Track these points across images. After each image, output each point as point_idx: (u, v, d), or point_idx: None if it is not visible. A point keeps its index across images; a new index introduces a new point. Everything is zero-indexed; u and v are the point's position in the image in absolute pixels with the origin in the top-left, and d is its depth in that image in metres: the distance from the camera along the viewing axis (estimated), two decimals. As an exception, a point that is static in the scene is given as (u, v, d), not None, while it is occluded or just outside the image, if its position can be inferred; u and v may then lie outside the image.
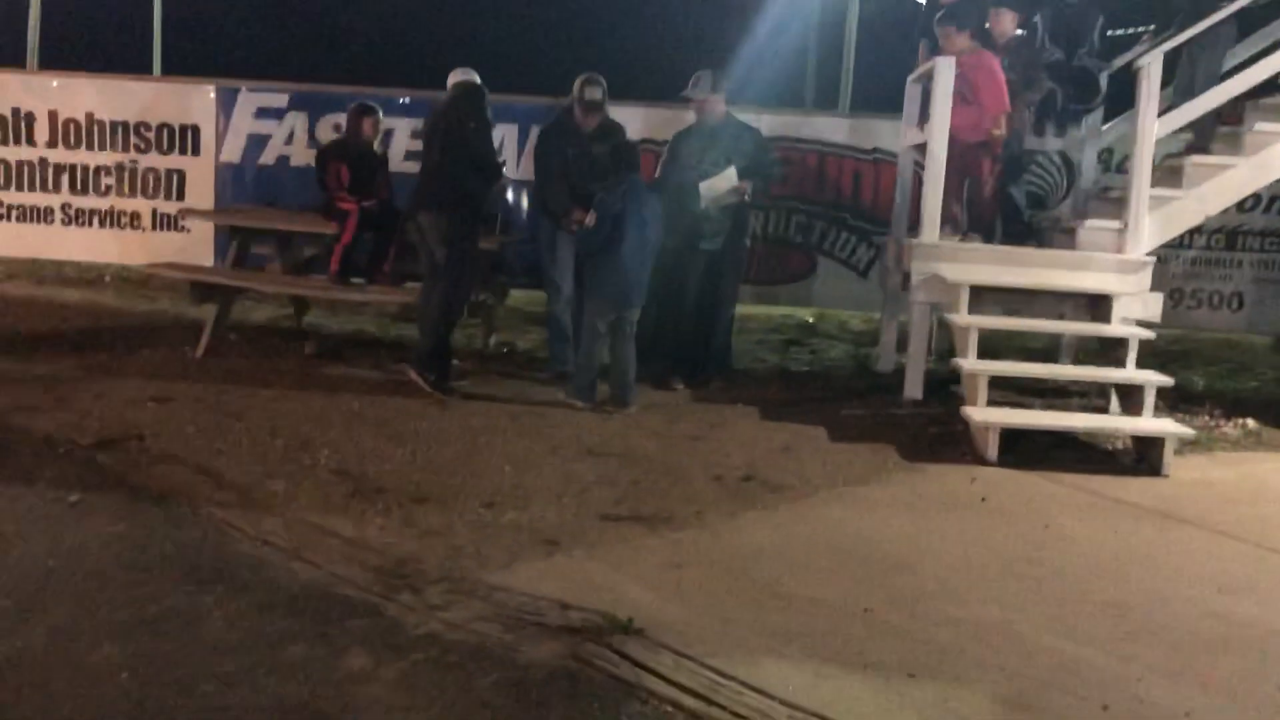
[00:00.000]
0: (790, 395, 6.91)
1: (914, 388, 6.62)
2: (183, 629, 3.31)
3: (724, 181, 6.67)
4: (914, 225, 7.13)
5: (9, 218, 9.03)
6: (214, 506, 4.35)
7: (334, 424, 5.57)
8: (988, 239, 6.92)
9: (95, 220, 8.93)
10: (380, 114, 7.28)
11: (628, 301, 6.22)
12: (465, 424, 5.75)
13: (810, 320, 9.48)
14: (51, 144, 8.93)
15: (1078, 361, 7.10)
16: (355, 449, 5.18)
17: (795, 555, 4.18)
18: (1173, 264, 7.89)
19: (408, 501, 4.51)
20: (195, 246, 8.62)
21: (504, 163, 7.20)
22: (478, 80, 6.48)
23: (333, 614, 3.45)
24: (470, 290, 6.60)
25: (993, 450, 5.52)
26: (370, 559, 3.91)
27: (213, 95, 8.82)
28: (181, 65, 10.00)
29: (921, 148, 6.79)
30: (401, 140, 8.45)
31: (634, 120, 7.31)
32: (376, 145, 7.49)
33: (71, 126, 8.92)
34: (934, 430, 6.04)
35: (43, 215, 8.99)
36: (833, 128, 8.53)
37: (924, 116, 6.84)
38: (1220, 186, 6.42)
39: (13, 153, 8.98)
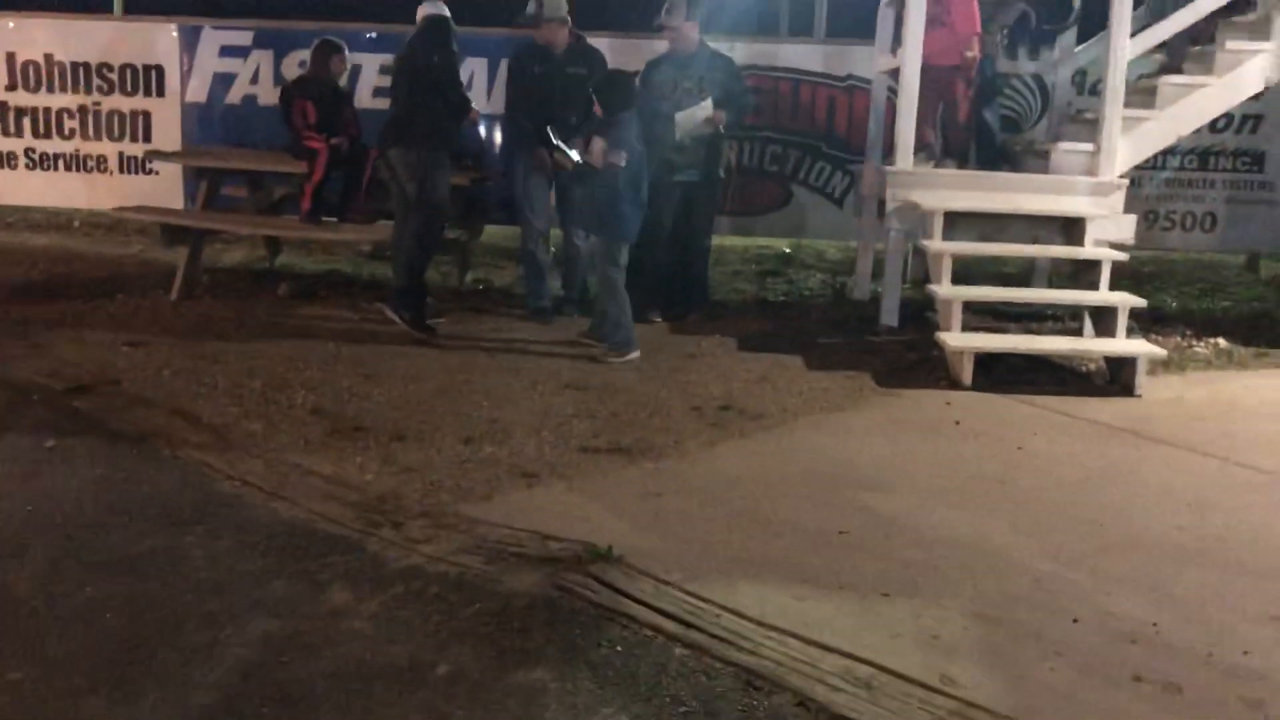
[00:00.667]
0: (767, 326, 6.93)
1: (890, 315, 6.66)
2: (165, 569, 3.33)
3: (700, 112, 6.61)
4: (888, 152, 7.12)
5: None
6: (192, 448, 4.36)
7: (310, 364, 5.56)
8: (962, 164, 6.91)
9: (60, 164, 8.79)
10: (346, 50, 7.18)
11: (634, 237, 6.09)
12: (443, 361, 5.75)
13: (787, 250, 9.48)
14: (11, 87, 8.76)
15: (1052, 285, 7.14)
16: (332, 388, 5.18)
17: (772, 481, 4.23)
18: (1146, 186, 7.90)
19: (386, 439, 4.52)
20: (164, 189, 8.48)
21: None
22: (445, 13, 6.36)
23: (314, 551, 3.48)
24: (443, 227, 6.55)
25: (967, 375, 5.56)
26: (350, 496, 3.93)
27: (175, 34, 8.63)
28: (141, 4, 9.77)
29: (895, 73, 6.74)
30: (370, 77, 8.31)
31: (604, 52, 7.18)
32: (343, 82, 7.38)
33: (31, 69, 8.74)
34: (910, 356, 6.08)
35: (5, 160, 8.84)
36: (806, 55, 8.43)
37: (897, 42, 6.77)
38: (1193, 106, 6.42)
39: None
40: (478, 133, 7.71)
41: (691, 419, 4.99)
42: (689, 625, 3.04)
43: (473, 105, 6.58)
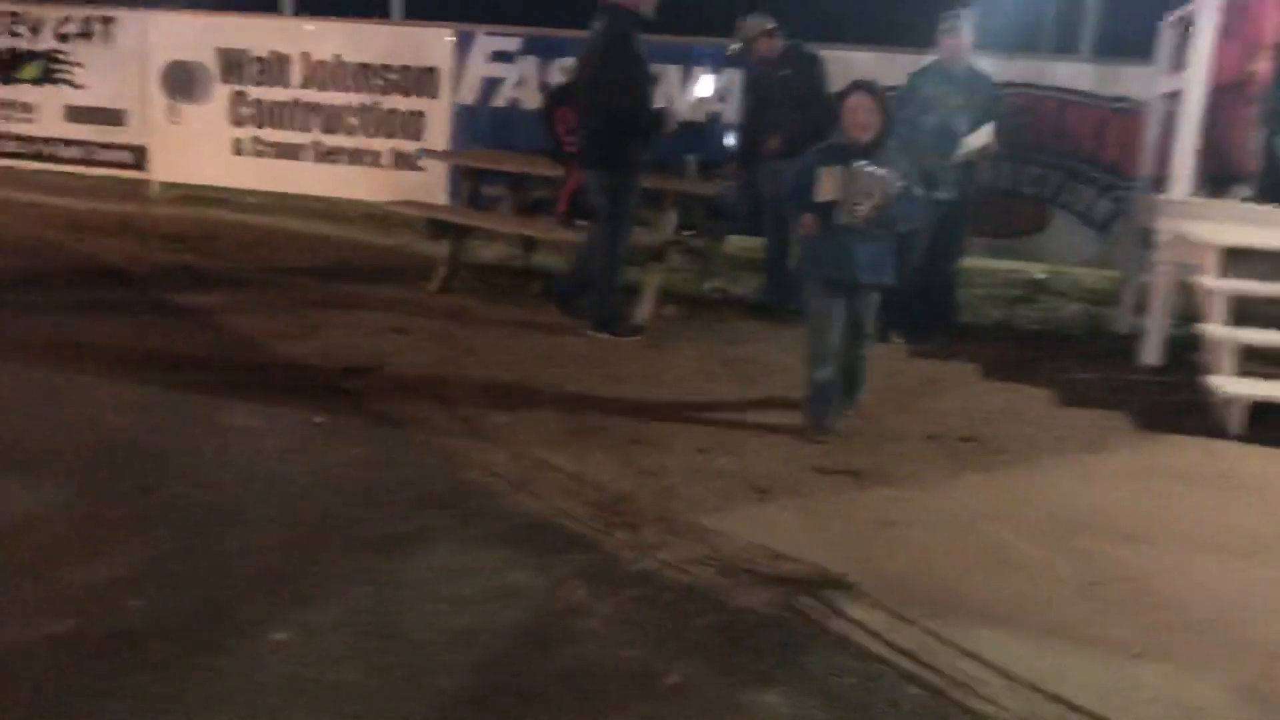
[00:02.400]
0: (1016, 354, 6.64)
1: (1153, 353, 6.25)
2: (414, 550, 3.53)
3: (983, 137, 6.47)
4: (1162, 179, 6.68)
5: (267, 154, 9.71)
6: (446, 435, 4.60)
7: (557, 362, 5.76)
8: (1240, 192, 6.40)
9: (343, 158, 9.48)
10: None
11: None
12: (679, 368, 5.83)
13: (1041, 276, 9.05)
14: (304, 85, 9.51)
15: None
16: (576, 387, 5.34)
17: (1016, 521, 4.05)
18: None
19: (625, 441, 4.63)
20: (430, 185, 9.01)
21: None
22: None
23: (553, 546, 3.60)
24: (627, 242, 6.42)
25: (1236, 423, 5.15)
26: (589, 494, 4.04)
27: (450, 39, 9.14)
28: (419, 8, 10.39)
29: (1175, 95, 6.32)
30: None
31: (862, 65, 7.09)
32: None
33: (321, 68, 9.46)
34: (1172, 399, 5.69)
35: (295, 153, 9.61)
36: (1074, 74, 8.04)
37: (1180, 61, 6.35)
38: None
39: (269, 93, 9.63)
40: (724, 141, 7.78)
41: (929, 447, 4.85)
42: (924, 665, 2.96)
43: (668, 119, 6.43)
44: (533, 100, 8.73)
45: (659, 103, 6.30)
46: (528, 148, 8.04)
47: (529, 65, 8.89)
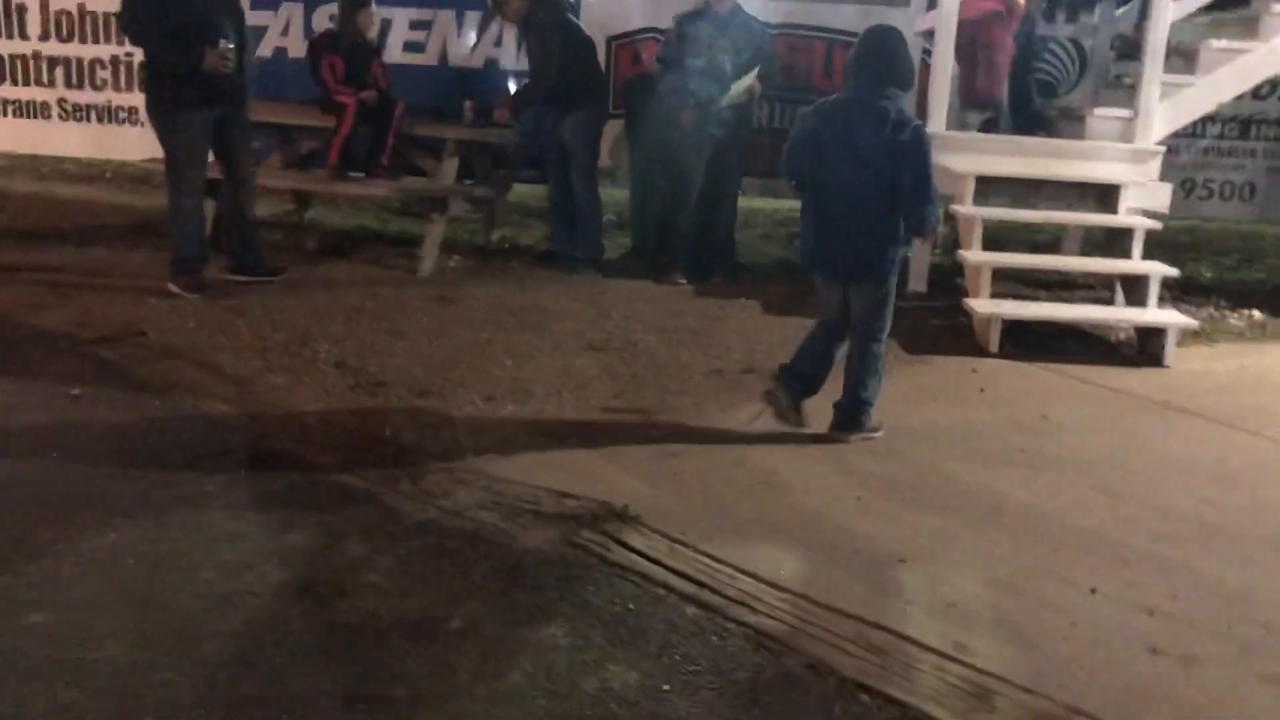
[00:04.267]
0: (794, 289, 6.85)
1: (918, 280, 6.59)
2: (181, 518, 3.36)
3: (747, 80, 6.60)
4: (921, 114, 7.00)
5: (5, 113, 8.94)
6: (216, 400, 4.39)
7: (335, 319, 5.57)
8: (993, 125, 6.80)
9: (92, 115, 8.83)
10: (373, 5, 7.13)
11: None
12: (466, 319, 5.75)
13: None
14: (44, 37, 8.78)
15: (1085, 253, 7.03)
16: (356, 343, 5.19)
17: (789, 444, 4.21)
18: (1185, 153, 7.73)
19: (408, 394, 4.54)
20: (194, 142, 8.49)
21: None
22: None
23: (333, 503, 3.50)
24: (190, 185, 5.95)
25: (994, 342, 5.51)
26: (372, 448, 3.95)
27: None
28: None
29: (929, 35, 6.62)
30: (400, 31, 8.26)
31: (635, 8, 7.15)
32: (372, 36, 7.34)
33: (64, 18, 8.75)
34: (937, 323, 6.02)
35: (39, 110, 8.88)
36: (839, 15, 8.30)
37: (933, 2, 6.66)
38: (1235, 72, 6.28)
39: (5, 46, 8.84)
40: (502, 87, 7.69)
41: (713, 381, 4.97)
42: (702, 585, 3.04)
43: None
44: (300, 49, 8.32)
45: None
46: (297, 99, 7.71)
47: (294, 11, 8.46)
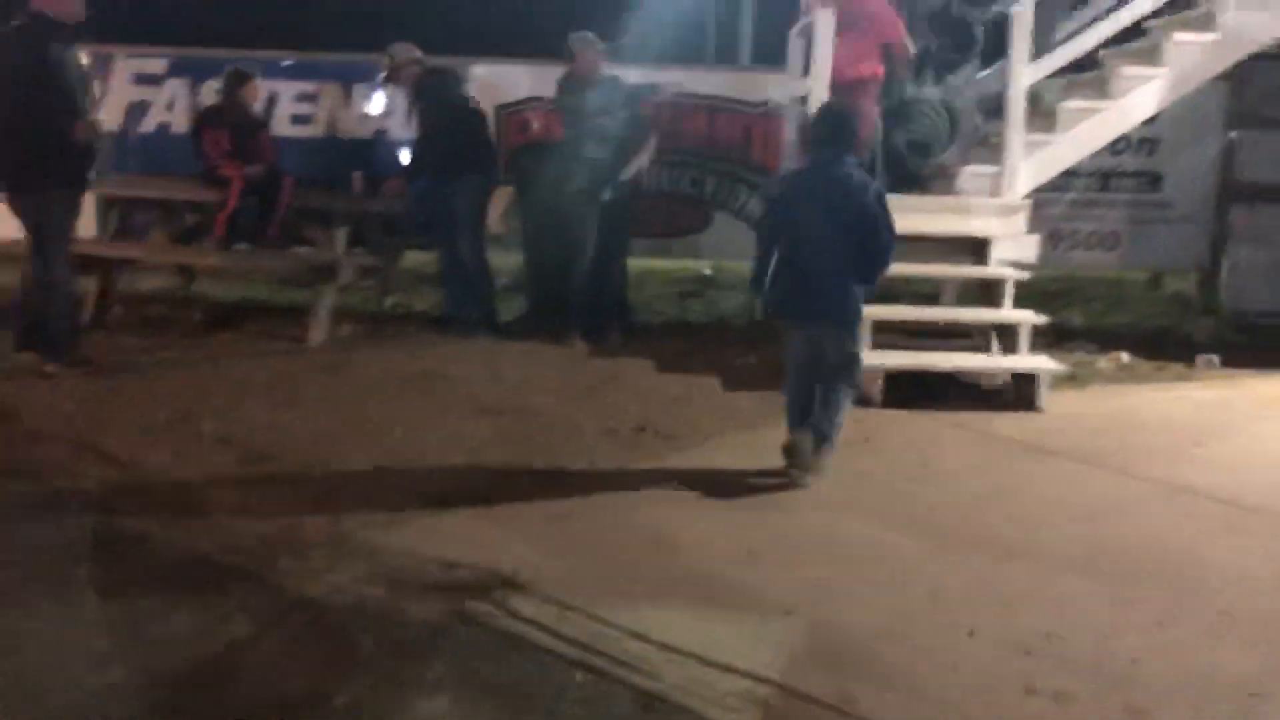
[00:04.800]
0: (687, 346, 7.00)
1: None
2: (53, 606, 3.25)
3: (646, 153, 7.00)
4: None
5: None
6: (94, 482, 4.28)
7: (221, 392, 5.49)
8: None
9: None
10: (257, 78, 7.14)
11: None
12: (357, 387, 5.72)
13: (708, 272, 9.57)
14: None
15: (961, 304, 7.28)
16: (241, 416, 5.12)
17: (683, 503, 4.27)
18: (1052, 207, 8.09)
19: (294, 468, 4.49)
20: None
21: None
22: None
23: (214, 583, 3.43)
24: (61, 268, 5.71)
25: (877, 392, 5.66)
26: (254, 526, 3.89)
27: (85, 62, 8.47)
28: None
29: (805, 99, 6.85)
30: (287, 103, 8.26)
31: (517, 78, 7.29)
32: (257, 109, 7.33)
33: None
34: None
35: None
36: (723, 82, 8.56)
37: (806, 67, 6.90)
38: (1090, 130, 6.62)
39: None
40: (391, 157, 7.73)
41: (606, 441, 5.02)
42: (591, 650, 3.05)
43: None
44: (185, 123, 8.25)
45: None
46: (184, 172, 7.63)
47: (178, 87, 8.39)
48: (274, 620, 3.20)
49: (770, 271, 4.61)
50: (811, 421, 4.60)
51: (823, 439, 4.59)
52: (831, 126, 4.61)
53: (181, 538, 3.78)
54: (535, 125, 8.10)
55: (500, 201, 7.61)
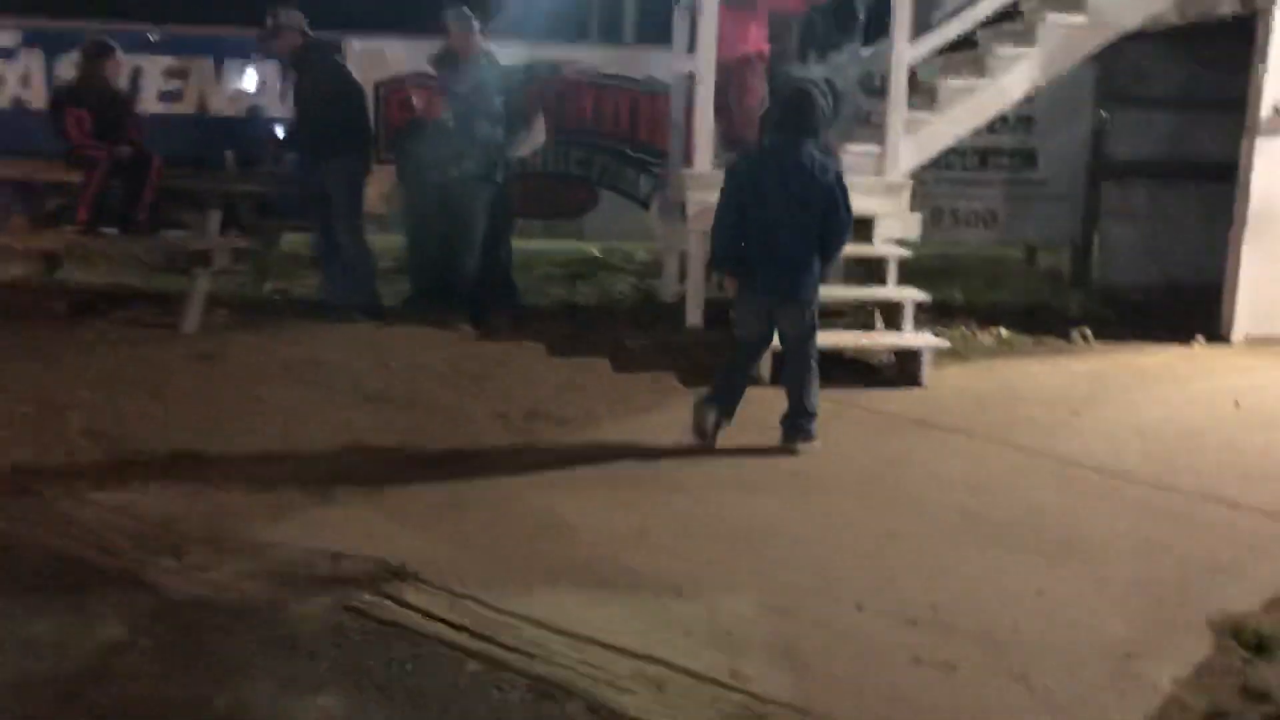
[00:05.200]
0: (576, 329, 6.94)
1: (694, 315, 6.76)
2: (-88, 616, 3.07)
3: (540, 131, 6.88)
4: (688, 154, 7.22)
5: None
6: (-51, 482, 4.04)
7: (87, 384, 5.23)
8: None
9: None
10: (119, 53, 6.81)
11: None
12: (235, 376, 5.52)
13: (597, 254, 9.52)
14: None
15: (847, 282, 7.38)
16: (113, 410, 4.89)
17: (574, 486, 4.24)
18: (934, 185, 8.27)
19: (170, 461, 4.30)
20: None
21: None
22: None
23: (86, 585, 3.27)
24: None
25: (767, 370, 5.70)
26: (128, 525, 3.71)
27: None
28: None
29: (690, 76, 6.86)
30: (153, 80, 7.91)
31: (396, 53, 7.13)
32: (122, 85, 7.01)
33: None
34: (714, 355, 6.18)
35: None
36: (606, 59, 8.50)
37: (691, 44, 6.91)
38: (968, 108, 6.77)
39: None
40: (267, 135, 7.49)
41: (496, 427, 4.94)
42: (484, 638, 3.00)
43: None
44: (44, 100, 7.84)
45: None
46: (44, 152, 7.25)
47: (32, 60, 7.97)
48: (150, 622, 3.06)
49: (726, 243, 4.76)
50: (792, 400, 4.81)
51: (807, 415, 4.79)
52: (794, 110, 4.75)
53: (48, 539, 3.59)
54: (417, 103, 7.93)
55: (381, 182, 7.45)
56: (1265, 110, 6.92)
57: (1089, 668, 3.01)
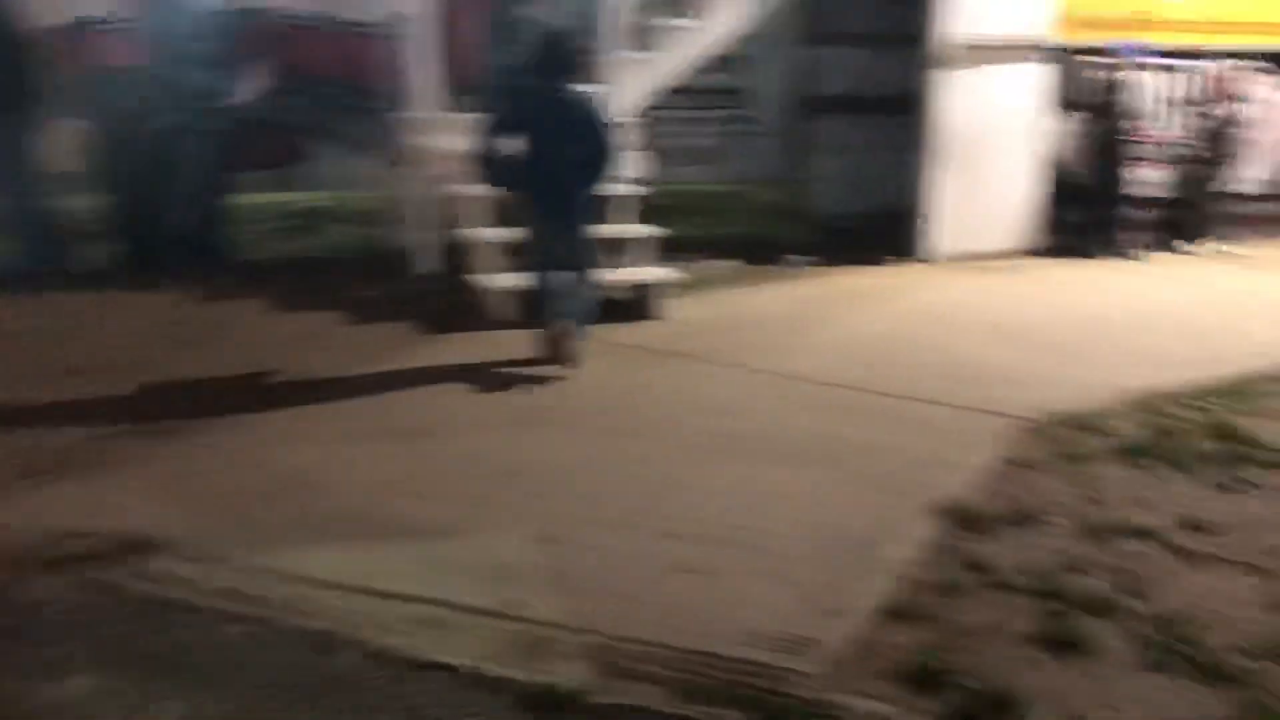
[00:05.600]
0: (304, 283, 6.66)
1: (426, 262, 6.64)
2: None
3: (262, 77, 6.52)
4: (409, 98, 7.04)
5: None
6: None
7: None
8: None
9: None
10: None
11: None
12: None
13: (322, 204, 9.14)
14: None
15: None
16: None
17: (321, 441, 4.11)
18: (663, 125, 8.44)
19: None
20: None
21: None
22: None
23: None
24: None
25: (508, 312, 5.70)
26: None
27: None
28: None
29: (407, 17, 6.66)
30: None
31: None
32: None
33: None
34: (449, 301, 6.12)
35: None
36: (326, 2, 8.09)
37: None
38: (680, 47, 6.96)
39: None
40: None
41: (229, 389, 4.70)
42: (247, 599, 2.89)
43: None
44: None
45: None
46: None
47: None
48: None
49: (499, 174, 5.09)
50: (568, 313, 5.14)
51: (582, 325, 5.20)
52: (558, 52, 5.08)
53: None
54: (103, 50, 7.27)
55: (69, 137, 6.81)
56: (938, 43, 7.51)
57: (836, 558, 3.25)
